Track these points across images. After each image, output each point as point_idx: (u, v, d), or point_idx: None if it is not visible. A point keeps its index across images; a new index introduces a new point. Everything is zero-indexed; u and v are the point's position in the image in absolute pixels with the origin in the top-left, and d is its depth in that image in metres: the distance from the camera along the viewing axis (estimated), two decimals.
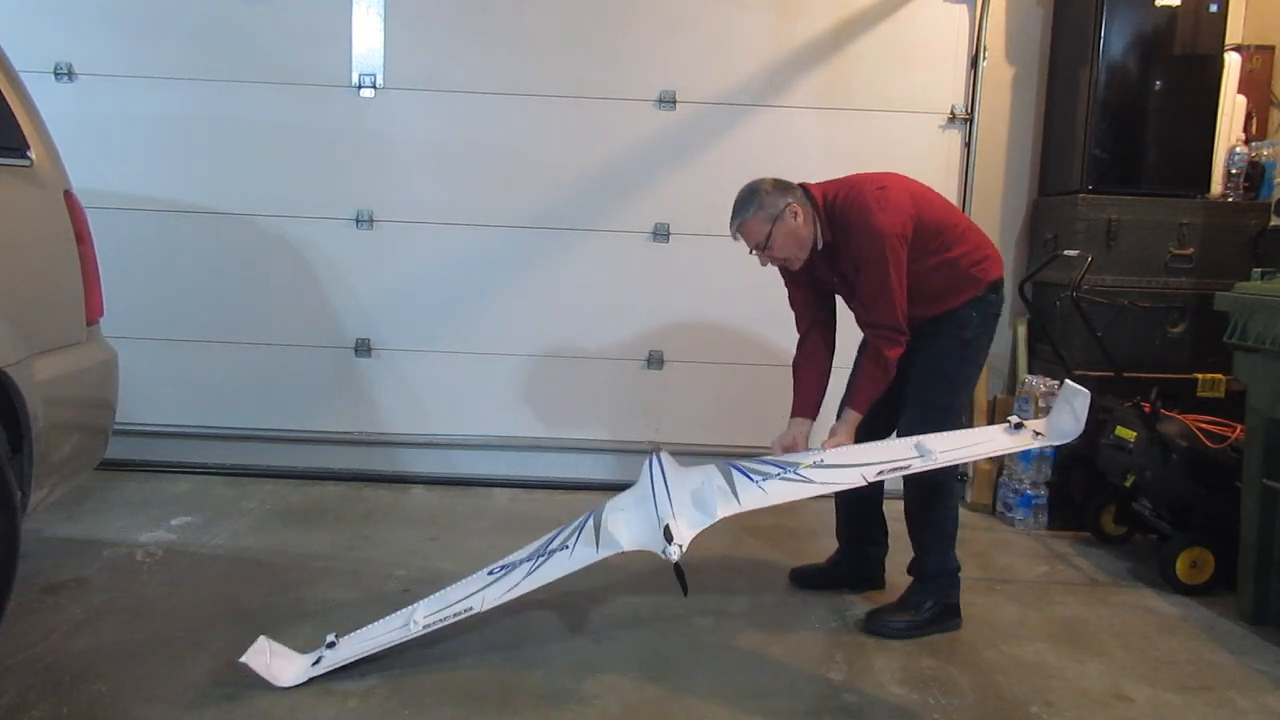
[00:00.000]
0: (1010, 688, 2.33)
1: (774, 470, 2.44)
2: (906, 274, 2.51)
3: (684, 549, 2.15)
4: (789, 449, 2.59)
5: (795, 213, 2.51)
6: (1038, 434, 2.42)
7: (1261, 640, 2.67)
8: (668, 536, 2.17)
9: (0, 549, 2.03)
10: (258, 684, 2.15)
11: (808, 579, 2.93)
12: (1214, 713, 2.26)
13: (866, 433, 2.62)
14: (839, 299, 2.76)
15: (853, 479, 2.38)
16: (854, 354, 2.76)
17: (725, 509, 2.29)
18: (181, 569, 2.88)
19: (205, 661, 2.27)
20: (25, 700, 2.05)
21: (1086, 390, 2.34)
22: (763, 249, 2.56)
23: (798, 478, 2.40)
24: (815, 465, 2.45)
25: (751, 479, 2.40)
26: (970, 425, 3.28)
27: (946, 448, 2.38)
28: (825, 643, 2.54)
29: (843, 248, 2.57)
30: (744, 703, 2.20)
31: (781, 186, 2.55)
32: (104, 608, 2.56)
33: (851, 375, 2.70)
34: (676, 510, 2.29)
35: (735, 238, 2.60)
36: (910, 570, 2.70)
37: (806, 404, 2.70)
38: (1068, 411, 2.38)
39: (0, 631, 2.17)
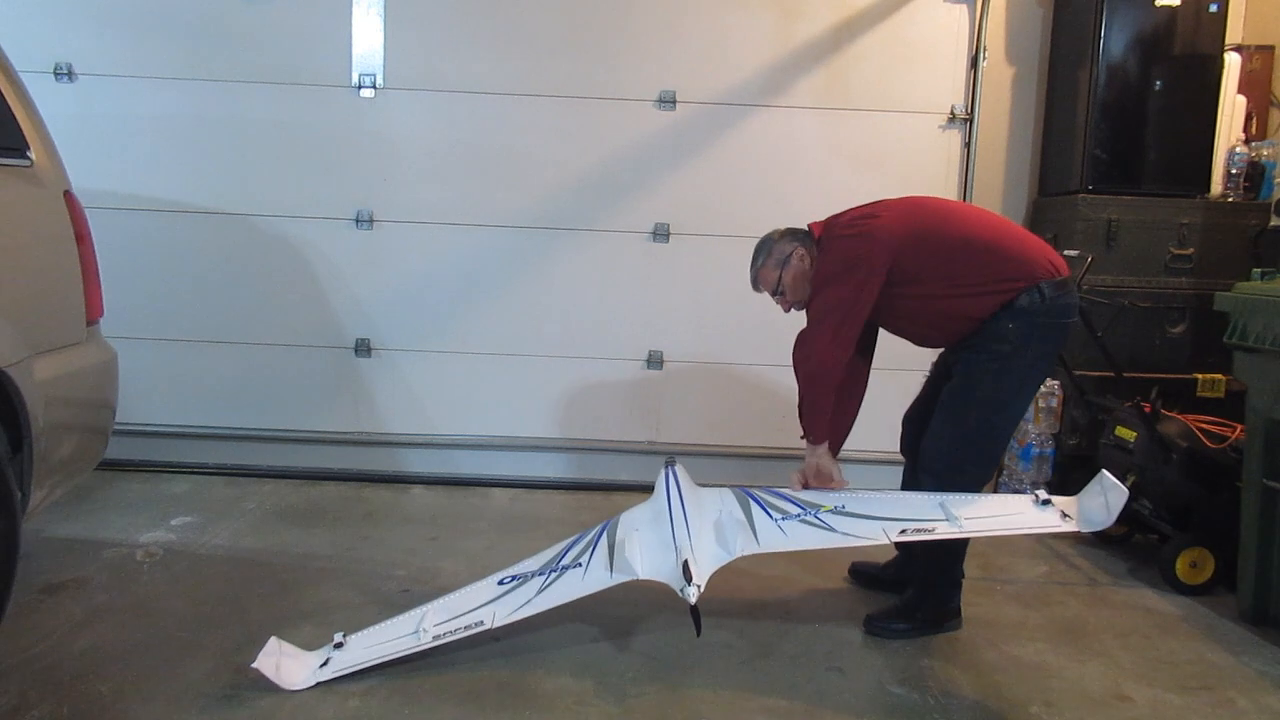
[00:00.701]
0: (1010, 688, 2.33)
1: (794, 510, 2.42)
2: (917, 299, 2.51)
3: (702, 589, 2.15)
4: (805, 483, 2.61)
5: (802, 257, 2.60)
6: (1066, 516, 2.33)
7: (1261, 640, 2.66)
8: (686, 575, 2.16)
9: (0, 549, 2.03)
10: (258, 684, 2.15)
11: (862, 577, 2.96)
12: (1214, 713, 2.25)
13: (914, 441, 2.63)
14: (882, 334, 2.77)
15: (874, 533, 2.33)
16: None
17: (745, 548, 2.30)
18: (181, 569, 2.87)
19: (205, 661, 2.27)
20: (25, 700, 2.05)
21: (1125, 489, 2.28)
22: (777, 294, 2.66)
23: (819, 523, 2.37)
24: (836, 511, 2.41)
25: (771, 516, 2.38)
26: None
27: (972, 515, 2.34)
28: (825, 643, 2.54)
29: None
30: (744, 703, 2.20)
31: (790, 234, 2.65)
32: (104, 608, 2.55)
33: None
34: (695, 543, 2.29)
35: (757, 289, 2.71)
36: (914, 574, 2.70)
37: (833, 434, 2.70)
38: (1100, 501, 2.30)
39: (0, 631, 2.17)
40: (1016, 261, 2.48)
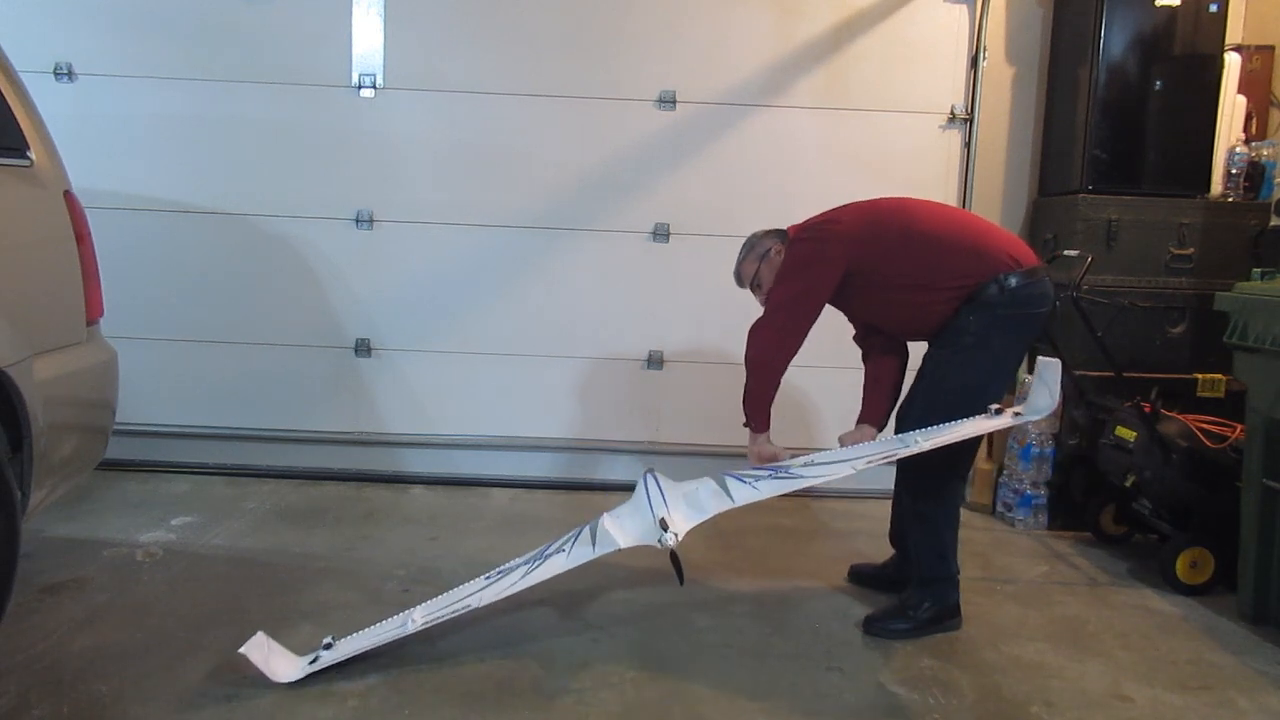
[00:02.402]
0: (1010, 688, 2.33)
1: (766, 473, 2.49)
2: (879, 296, 2.63)
3: (679, 537, 2.22)
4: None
5: (779, 252, 2.74)
6: (1017, 413, 2.46)
7: (1261, 640, 2.66)
8: (663, 526, 2.24)
9: (0, 549, 2.03)
10: (257, 684, 2.15)
11: (863, 578, 2.98)
12: (1214, 713, 2.25)
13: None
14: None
15: (841, 470, 2.44)
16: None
17: (719, 506, 2.37)
18: (181, 569, 2.87)
19: (205, 661, 2.27)
20: (25, 700, 2.05)
21: (1057, 360, 2.37)
22: (754, 286, 2.81)
23: (788, 475, 2.46)
24: (806, 464, 2.51)
25: (744, 481, 2.45)
26: None
27: (929, 435, 2.42)
28: (825, 643, 2.54)
29: None
30: (744, 703, 2.20)
31: (772, 232, 2.80)
32: (104, 608, 2.56)
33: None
34: (671, 508, 2.36)
35: (739, 283, 2.86)
36: (912, 573, 2.70)
37: (869, 412, 2.82)
38: (1041, 387, 2.40)
39: (0, 631, 2.17)
40: (974, 257, 2.55)
